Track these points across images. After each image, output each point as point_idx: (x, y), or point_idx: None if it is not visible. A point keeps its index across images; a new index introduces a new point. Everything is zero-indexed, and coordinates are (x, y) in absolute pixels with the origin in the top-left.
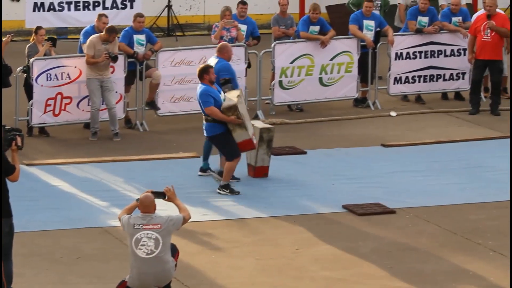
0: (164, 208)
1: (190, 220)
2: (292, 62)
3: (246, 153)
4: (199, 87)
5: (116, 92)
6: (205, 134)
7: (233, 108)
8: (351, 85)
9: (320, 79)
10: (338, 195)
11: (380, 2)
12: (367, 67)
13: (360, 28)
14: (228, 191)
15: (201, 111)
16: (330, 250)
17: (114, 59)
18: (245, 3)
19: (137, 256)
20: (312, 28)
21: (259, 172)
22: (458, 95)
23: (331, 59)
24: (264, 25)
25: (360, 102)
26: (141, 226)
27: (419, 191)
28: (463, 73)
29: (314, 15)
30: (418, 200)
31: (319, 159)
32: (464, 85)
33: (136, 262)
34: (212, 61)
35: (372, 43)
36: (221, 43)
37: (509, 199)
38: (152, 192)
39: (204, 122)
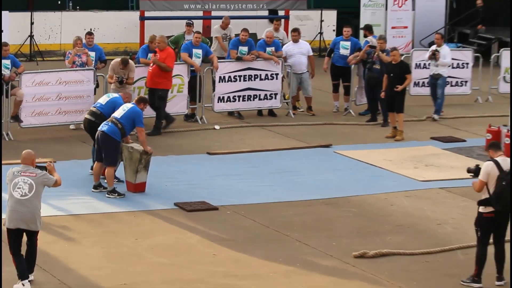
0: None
1: (46, 215)
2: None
3: (126, 171)
4: (133, 107)
5: None
6: (105, 131)
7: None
8: (182, 103)
9: None
10: (171, 194)
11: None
12: (196, 88)
13: (190, 55)
14: (116, 194)
15: (115, 118)
16: (164, 240)
17: (120, 82)
18: (91, 34)
19: (12, 197)
20: (150, 55)
21: (139, 187)
22: (271, 112)
23: None
24: (110, 52)
25: (190, 117)
26: (20, 173)
27: (238, 192)
28: (275, 94)
29: (152, 45)
30: (237, 199)
31: (155, 164)
32: (276, 104)
33: (11, 202)
34: (128, 105)
35: (199, 68)
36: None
37: (312, 198)
38: (36, 165)
39: (110, 124)
